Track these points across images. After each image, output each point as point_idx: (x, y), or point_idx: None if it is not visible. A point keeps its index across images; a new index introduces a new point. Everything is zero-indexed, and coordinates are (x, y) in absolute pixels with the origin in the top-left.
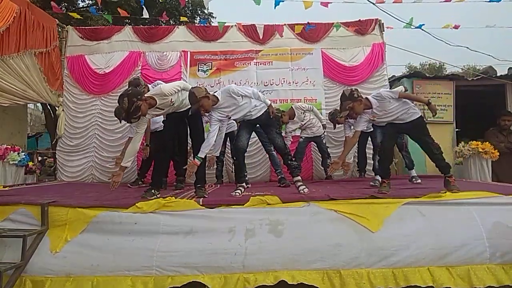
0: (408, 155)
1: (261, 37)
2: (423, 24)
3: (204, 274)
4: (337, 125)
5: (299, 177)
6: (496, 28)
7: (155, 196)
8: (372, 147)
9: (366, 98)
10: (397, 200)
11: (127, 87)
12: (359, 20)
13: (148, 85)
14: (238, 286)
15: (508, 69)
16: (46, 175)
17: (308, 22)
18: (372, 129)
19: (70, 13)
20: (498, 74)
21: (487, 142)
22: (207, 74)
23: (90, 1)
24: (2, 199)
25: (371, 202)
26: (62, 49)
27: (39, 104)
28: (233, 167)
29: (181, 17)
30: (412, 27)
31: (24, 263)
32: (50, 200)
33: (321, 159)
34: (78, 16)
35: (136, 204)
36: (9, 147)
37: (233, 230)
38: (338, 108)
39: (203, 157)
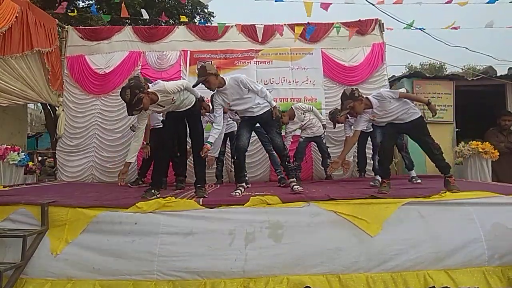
0: (407, 156)
1: (260, 40)
2: (424, 28)
3: (205, 279)
4: (337, 124)
5: (294, 179)
6: (496, 29)
7: (155, 196)
8: (371, 147)
9: (367, 97)
10: (397, 200)
11: None
12: (359, 20)
13: (148, 84)
14: None
15: (508, 69)
16: (46, 175)
17: (308, 22)
18: (372, 129)
19: (70, 13)
20: (498, 74)
21: (487, 142)
22: None
23: (90, 1)
24: (2, 199)
25: (371, 203)
26: (62, 49)
27: (39, 104)
28: (233, 166)
29: (181, 18)
30: (412, 28)
31: (24, 263)
32: (50, 200)
33: (321, 159)
34: (75, 14)
35: (136, 204)
36: (9, 147)
37: (233, 233)
38: (339, 108)
39: (212, 141)
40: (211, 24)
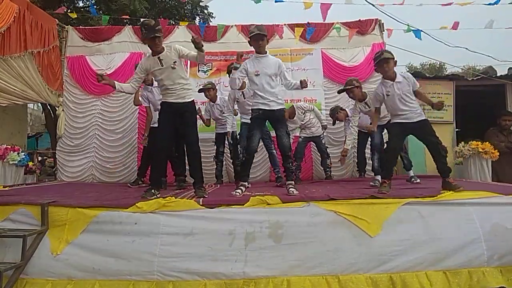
0: (406, 156)
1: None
2: (421, 31)
3: (205, 280)
4: (336, 122)
5: (292, 182)
6: (496, 30)
7: (155, 196)
8: (369, 147)
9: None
10: (397, 200)
11: None
12: (359, 20)
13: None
14: None
15: (508, 69)
16: (46, 175)
17: (308, 22)
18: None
19: (70, 14)
20: (498, 74)
21: (487, 142)
22: (207, 74)
23: (90, 1)
24: (2, 199)
25: (371, 203)
26: (62, 49)
27: (39, 104)
28: (239, 163)
29: (180, 22)
30: (412, 29)
31: (24, 263)
32: (50, 200)
33: (320, 159)
34: (75, 16)
35: (136, 204)
36: (9, 147)
37: (233, 233)
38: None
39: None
40: (210, 25)
